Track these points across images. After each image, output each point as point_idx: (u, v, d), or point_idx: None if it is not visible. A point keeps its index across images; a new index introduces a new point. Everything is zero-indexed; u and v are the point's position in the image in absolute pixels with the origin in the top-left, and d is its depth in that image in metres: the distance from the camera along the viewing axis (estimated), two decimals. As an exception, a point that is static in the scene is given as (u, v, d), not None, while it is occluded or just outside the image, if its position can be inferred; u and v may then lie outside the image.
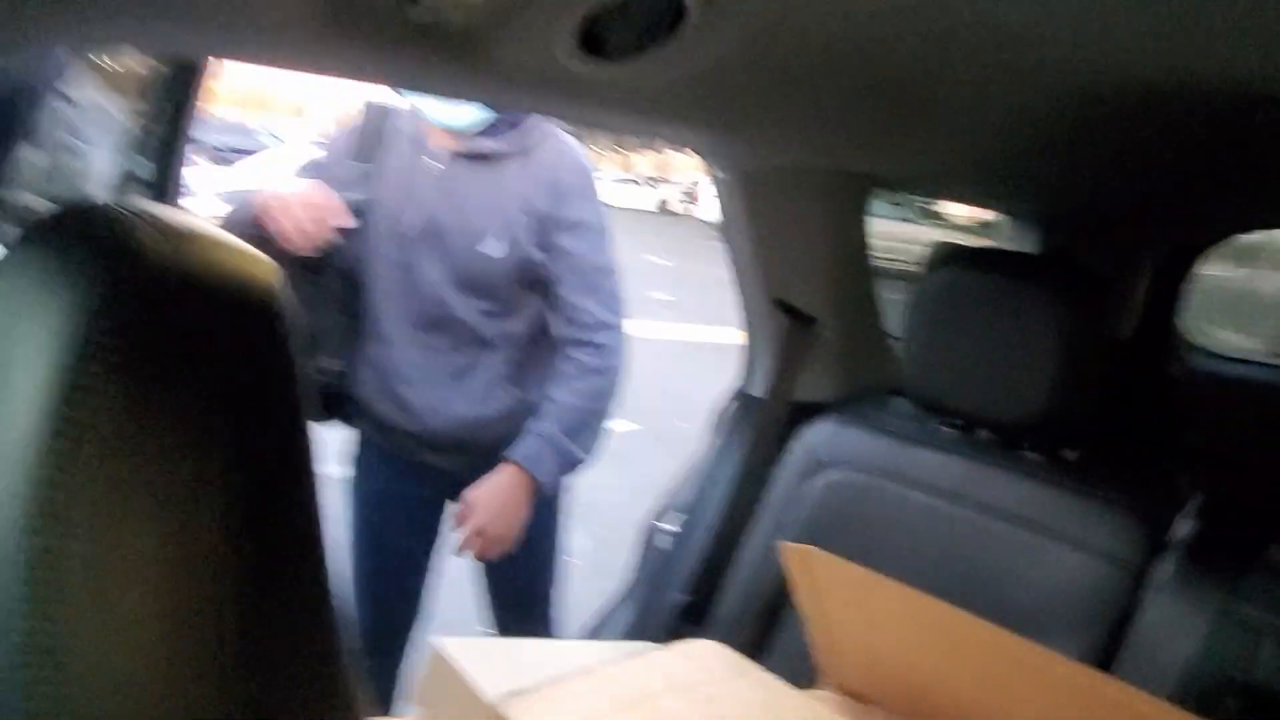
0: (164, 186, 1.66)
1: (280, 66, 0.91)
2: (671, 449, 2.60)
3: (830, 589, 0.87)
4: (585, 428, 1.61)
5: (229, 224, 1.35)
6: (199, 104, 1.65)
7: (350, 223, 1.54)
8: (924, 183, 1.53)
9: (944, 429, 1.22)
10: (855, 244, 1.44)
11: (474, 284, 1.57)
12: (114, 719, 0.35)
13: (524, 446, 1.56)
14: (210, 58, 1.25)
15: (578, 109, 1.03)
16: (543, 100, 1.03)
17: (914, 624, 0.81)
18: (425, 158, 1.61)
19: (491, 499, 1.55)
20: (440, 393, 1.60)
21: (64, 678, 0.34)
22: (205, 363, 0.37)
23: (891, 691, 0.88)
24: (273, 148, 12.27)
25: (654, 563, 1.39)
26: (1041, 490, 1.11)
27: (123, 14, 0.67)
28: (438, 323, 1.60)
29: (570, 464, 1.60)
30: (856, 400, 1.41)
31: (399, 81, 1.11)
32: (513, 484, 1.56)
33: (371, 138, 1.66)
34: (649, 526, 1.42)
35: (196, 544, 0.35)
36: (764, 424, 1.40)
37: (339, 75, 0.90)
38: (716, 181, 1.32)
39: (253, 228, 1.46)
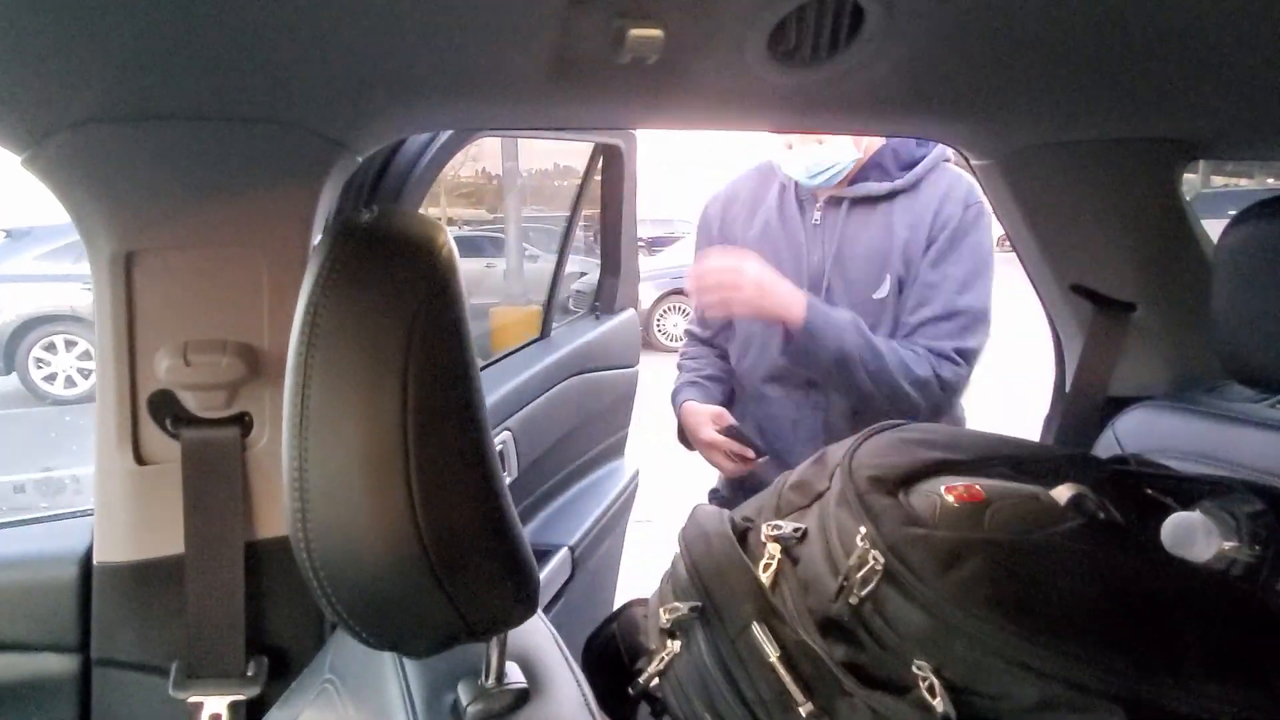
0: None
1: (513, 126, 1.05)
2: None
3: None
4: (873, 367, 1.51)
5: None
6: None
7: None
8: (1251, 146, 1.30)
9: (1275, 407, 1.12)
10: (1174, 220, 1.31)
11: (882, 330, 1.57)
12: (334, 517, 0.54)
13: (828, 307, 1.53)
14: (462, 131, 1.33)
15: (782, 117, 1.06)
16: (747, 114, 1.06)
17: None
18: (800, 210, 1.66)
19: (764, 273, 1.52)
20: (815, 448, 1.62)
21: (307, 480, 0.54)
22: (392, 289, 0.53)
23: None
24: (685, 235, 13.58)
25: None
26: None
27: (397, 105, 0.79)
28: (809, 379, 1.63)
29: (830, 348, 1.50)
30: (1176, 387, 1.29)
31: (614, 121, 1.15)
32: (789, 290, 1.52)
33: (743, 203, 1.75)
34: None
35: (384, 402, 0.52)
36: (1076, 420, 1.33)
37: (562, 125, 1.03)
38: (977, 170, 1.29)
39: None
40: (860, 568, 0.72)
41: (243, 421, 1.01)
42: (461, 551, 0.56)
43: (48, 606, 1.04)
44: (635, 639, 0.89)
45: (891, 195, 1.59)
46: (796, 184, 1.68)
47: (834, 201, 1.63)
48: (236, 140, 0.89)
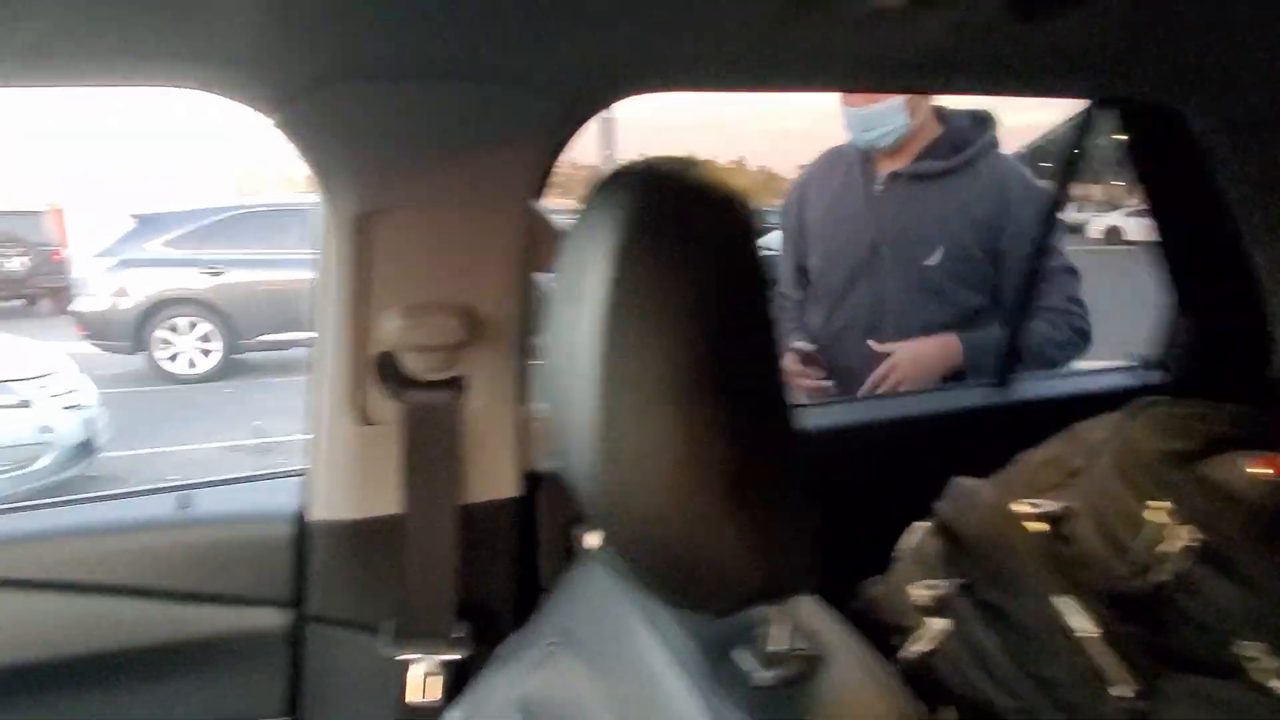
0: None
1: (742, 86, 0.99)
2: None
3: None
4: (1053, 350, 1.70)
5: None
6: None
7: None
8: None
9: None
10: None
11: (918, 293, 1.72)
12: (639, 471, 0.53)
13: (975, 335, 1.68)
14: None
15: (1017, 78, 1.02)
16: (984, 75, 1.04)
17: None
18: (864, 184, 1.80)
19: (917, 350, 1.67)
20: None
21: (613, 431, 0.53)
22: (698, 255, 0.53)
23: None
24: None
25: None
26: None
27: (630, 66, 0.92)
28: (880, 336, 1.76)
29: (988, 360, 1.64)
30: None
31: (847, 83, 1.12)
32: (939, 341, 1.68)
33: (816, 185, 1.90)
34: None
35: (694, 347, 0.52)
36: None
37: (791, 85, 0.99)
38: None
39: None
40: (1154, 544, 0.67)
41: (458, 385, 1.01)
42: (767, 504, 0.54)
43: (263, 562, 1.06)
44: (876, 617, 0.86)
45: (946, 173, 1.74)
46: (862, 161, 1.82)
47: (895, 176, 1.77)
48: (476, 100, 0.89)
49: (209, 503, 1.09)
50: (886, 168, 1.79)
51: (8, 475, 4.42)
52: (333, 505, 1.03)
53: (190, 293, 8.38)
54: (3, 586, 0.99)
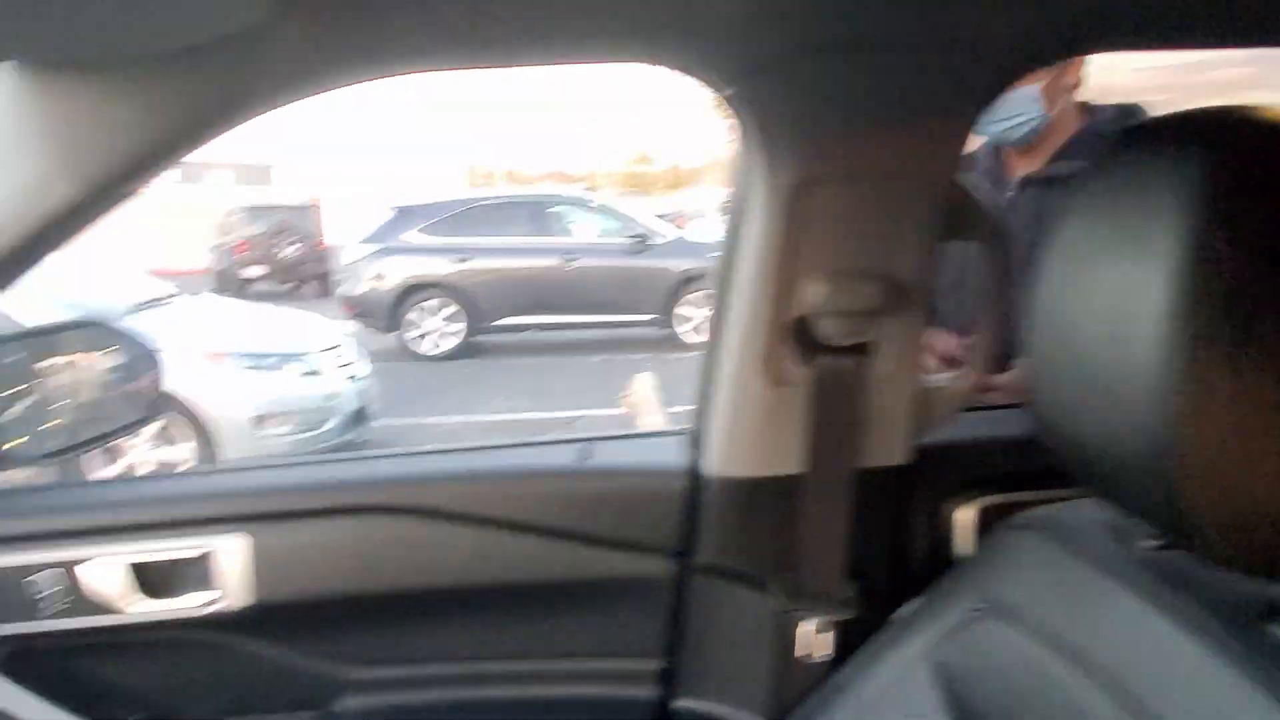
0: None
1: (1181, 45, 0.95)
2: None
3: None
4: None
5: None
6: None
7: None
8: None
9: None
10: None
11: None
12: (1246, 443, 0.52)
13: None
14: None
15: None
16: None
17: None
18: (991, 188, 1.56)
19: None
20: None
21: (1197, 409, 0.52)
22: None
23: None
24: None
25: None
26: None
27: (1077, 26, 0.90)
28: None
29: None
30: None
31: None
32: None
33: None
34: None
35: None
36: None
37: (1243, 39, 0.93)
38: None
39: None
40: None
41: (866, 350, 1.03)
42: None
43: (654, 512, 1.13)
44: None
45: (1065, 179, 1.42)
46: (991, 158, 1.58)
47: (1026, 183, 1.53)
48: (914, 69, 0.90)
49: (603, 454, 1.18)
50: (1018, 169, 1.56)
51: (300, 436, 5.00)
52: (733, 462, 1.08)
53: (438, 277, 9.10)
54: (432, 516, 1.12)
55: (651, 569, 1.15)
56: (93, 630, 1.08)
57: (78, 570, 1.05)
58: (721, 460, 1.08)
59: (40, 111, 0.78)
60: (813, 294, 0.98)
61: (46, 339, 1.39)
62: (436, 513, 1.11)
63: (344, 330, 6.24)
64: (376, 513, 1.11)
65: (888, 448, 1.07)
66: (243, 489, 1.16)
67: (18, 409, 1.23)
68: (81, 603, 1.05)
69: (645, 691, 1.19)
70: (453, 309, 9.12)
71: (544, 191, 12.66)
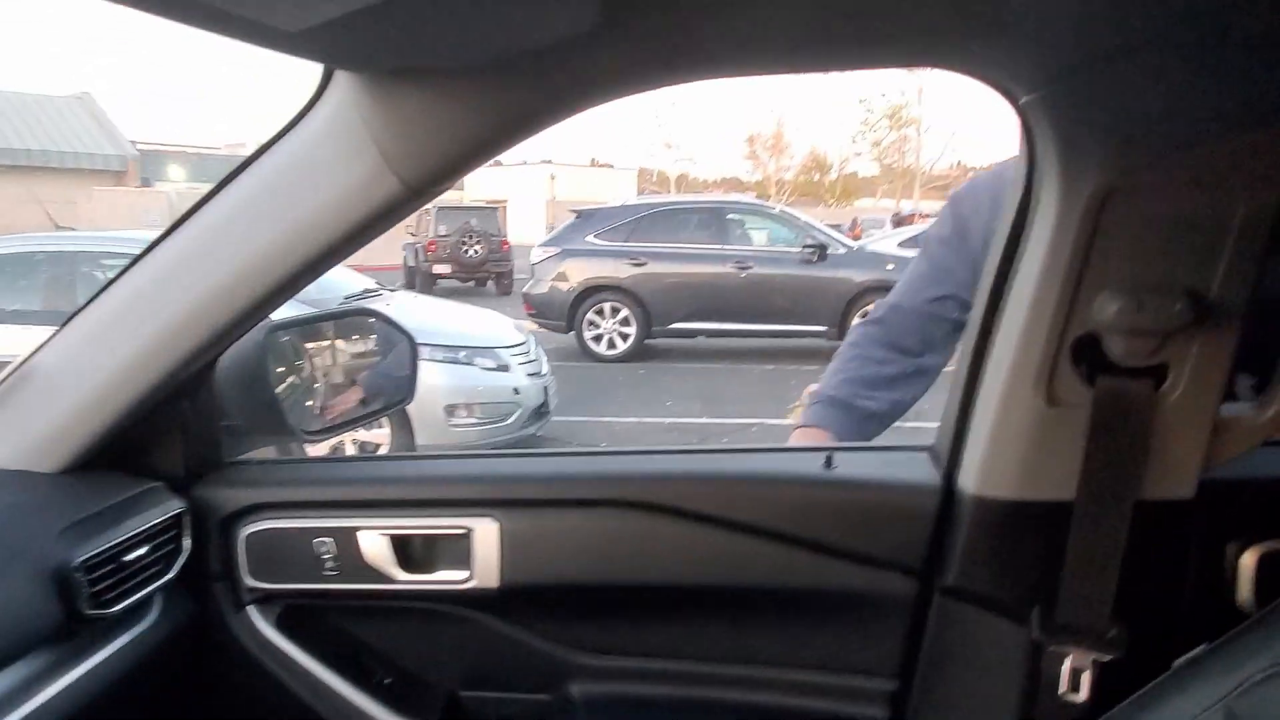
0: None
1: None
2: None
3: None
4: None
5: None
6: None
7: None
8: None
9: None
10: None
11: None
12: None
13: None
14: None
15: None
16: None
17: None
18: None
19: None
20: None
21: None
22: None
23: None
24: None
25: None
26: None
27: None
28: None
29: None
30: None
31: None
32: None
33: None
34: None
35: None
36: None
37: None
38: None
39: None
40: None
41: (1158, 373, 0.96)
42: None
43: (899, 528, 1.10)
44: None
45: None
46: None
47: None
48: (1239, 72, 0.82)
49: (844, 465, 1.15)
50: None
51: (486, 426, 5.24)
52: (995, 482, 1.03)
53: (615, 280, 9.30)
54: (671, 514, 1.13)
55: (892, 586, 1.12)
56: (361, 593, 1.17)
57: (359, 537, 1.13)
58: (981, 479, 1.03)
59: (370, 115, 0.85)
60: (1105, 309, 0.92)
61: (318, 325, 1.52)
62: (676, 510, 1.13)
63: (526, 328, 6.49)
64: (618, 506, 1.14)
65: (1172, 480, 0.98)
66: (495, 474, 1.22)
67: (289, 387, 1.36)
68: (357, 568, 1.14)
69: (877, 711, 1.16)
70: (627, 311, 9.30)
71: (721, 198, 12.67)
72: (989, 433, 1.02)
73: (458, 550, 1.15)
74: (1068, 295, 0.94)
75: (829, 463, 1.14)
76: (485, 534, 1.14)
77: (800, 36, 0.82)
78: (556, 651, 1.22)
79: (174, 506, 1.10)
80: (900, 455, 1.19)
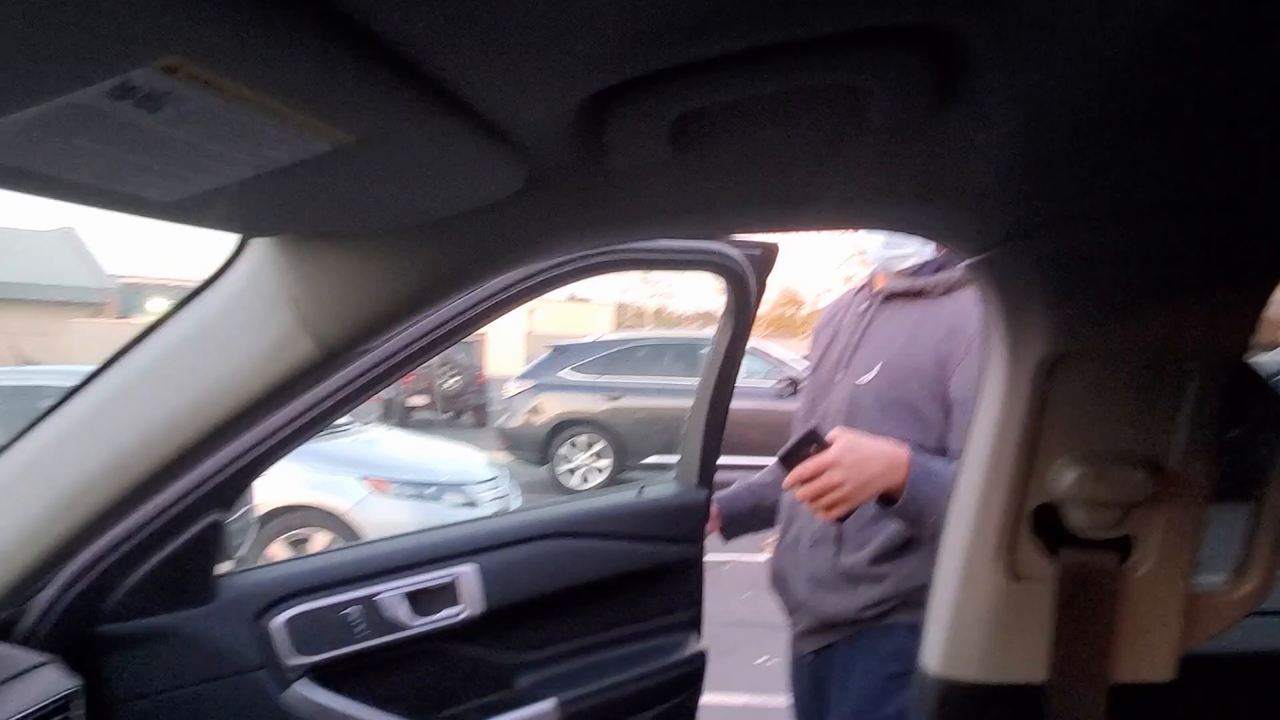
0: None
1: None
2: None
3: None
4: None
5: None
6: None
7: None
8: None
9: None
10: None
11: (847, 417, 1.54)
12: None
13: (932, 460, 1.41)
14: None
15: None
16: None
17: None
18: (861, 301, 1.69)
19: (857, 446, 1.37)
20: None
21: None
22: None
23: None
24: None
25: None
26: None
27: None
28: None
29: (936, 500, 1.31)
30: None
31: None
32: (888, 451, 1.38)
33: (840, 309, 1.78)
34: None
35: None
36: None
37: None
38: None
39: None
40: None
41: (1124, 545, 0.90)
42: None
43: None
44: None
45: (918, 294, 1.58)
46: (870, 284, 1.69)
47: (879, 294, 1.64)
48: (1192, 237, 0.81)
49: None
50: (879, 283, 1.66)
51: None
52: (959, 663, 0.95)
53: (590, 414, 9.25)
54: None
55: None
56: (383, 645, 1.46)
57: (377, 600, 1.46)
58: (946, 660, 0.96)
59: (287, 275, 0.82)
60: (1062, 479, 0.87)
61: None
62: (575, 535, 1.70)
63: (498, 462, 6.37)
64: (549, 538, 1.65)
65: (1149, 660, 0.91)
66: (470, 533, 1.64)
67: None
68: (376, 624, 1.45)
69: None
70: (601, 444, 9.20)
71: (695, 334, 12.84)
72: (950, 610, 0.96)
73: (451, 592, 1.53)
74: (1023, 464, 0.89)
75: None
76: (470, 574, 1.54)
77: (737, 200, 0.80)
78: (507, 656, 1.61)
79: (64, 685, 0.99)
80: None
